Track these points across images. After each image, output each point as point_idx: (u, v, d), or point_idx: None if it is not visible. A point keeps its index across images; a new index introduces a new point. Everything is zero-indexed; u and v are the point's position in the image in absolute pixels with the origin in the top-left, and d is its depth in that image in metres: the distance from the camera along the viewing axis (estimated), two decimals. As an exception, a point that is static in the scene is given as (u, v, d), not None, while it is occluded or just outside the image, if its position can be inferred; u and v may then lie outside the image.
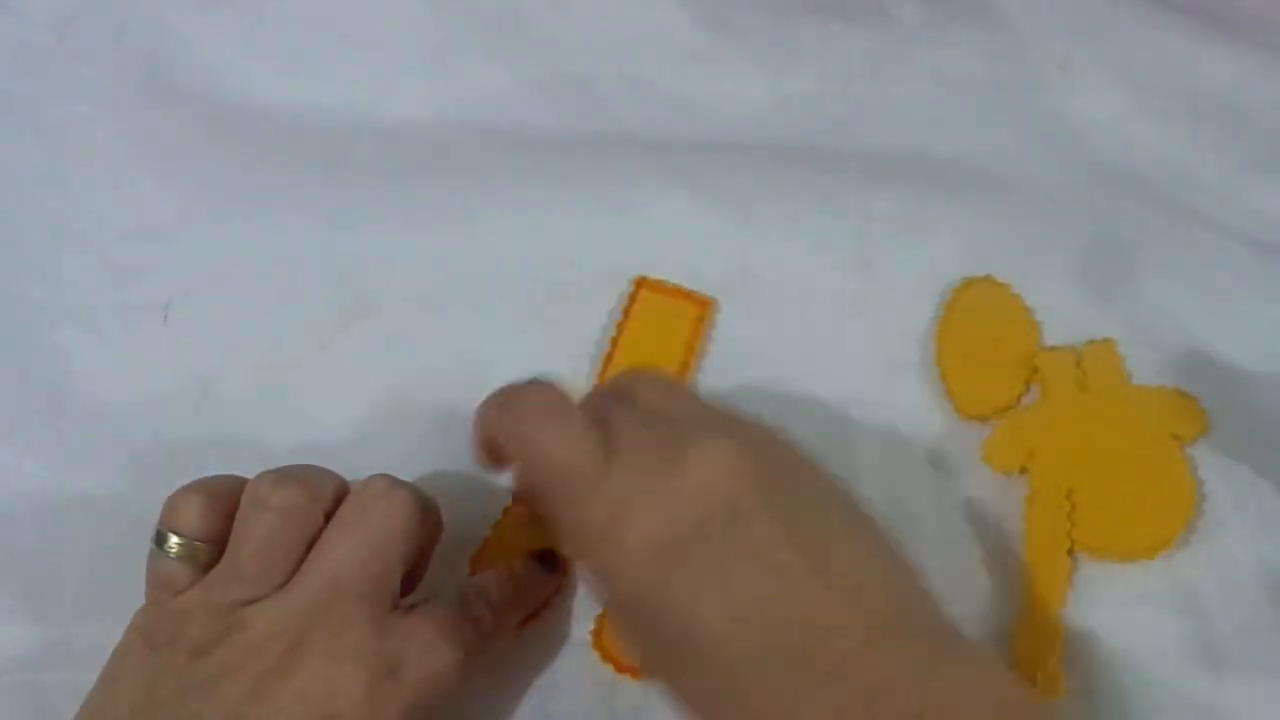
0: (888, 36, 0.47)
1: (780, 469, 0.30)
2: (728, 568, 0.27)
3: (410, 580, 0.33)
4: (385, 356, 0.40)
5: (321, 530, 0.31)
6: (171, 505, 0.31)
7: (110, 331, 0.41)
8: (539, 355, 0.40)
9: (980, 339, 0.40)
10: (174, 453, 0.38)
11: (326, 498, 0.32)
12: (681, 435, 0.29)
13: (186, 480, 0.37)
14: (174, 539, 0.31)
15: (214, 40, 0.47)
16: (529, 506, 0.36)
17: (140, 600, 0.31)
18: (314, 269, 0.42)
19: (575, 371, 0.40)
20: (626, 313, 0.40)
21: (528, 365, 0.40)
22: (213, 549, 0.31)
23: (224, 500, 0.31)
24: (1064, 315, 0.40)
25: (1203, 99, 0.46)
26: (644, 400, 0.31)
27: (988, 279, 0.41)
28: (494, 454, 0.33)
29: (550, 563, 0.35)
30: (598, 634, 0.35)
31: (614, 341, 0.40)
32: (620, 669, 0.35)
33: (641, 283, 0.41)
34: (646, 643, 0.29)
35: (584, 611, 0.36)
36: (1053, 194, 0.44)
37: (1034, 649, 0.34)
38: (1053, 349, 0.40)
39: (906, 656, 0.27)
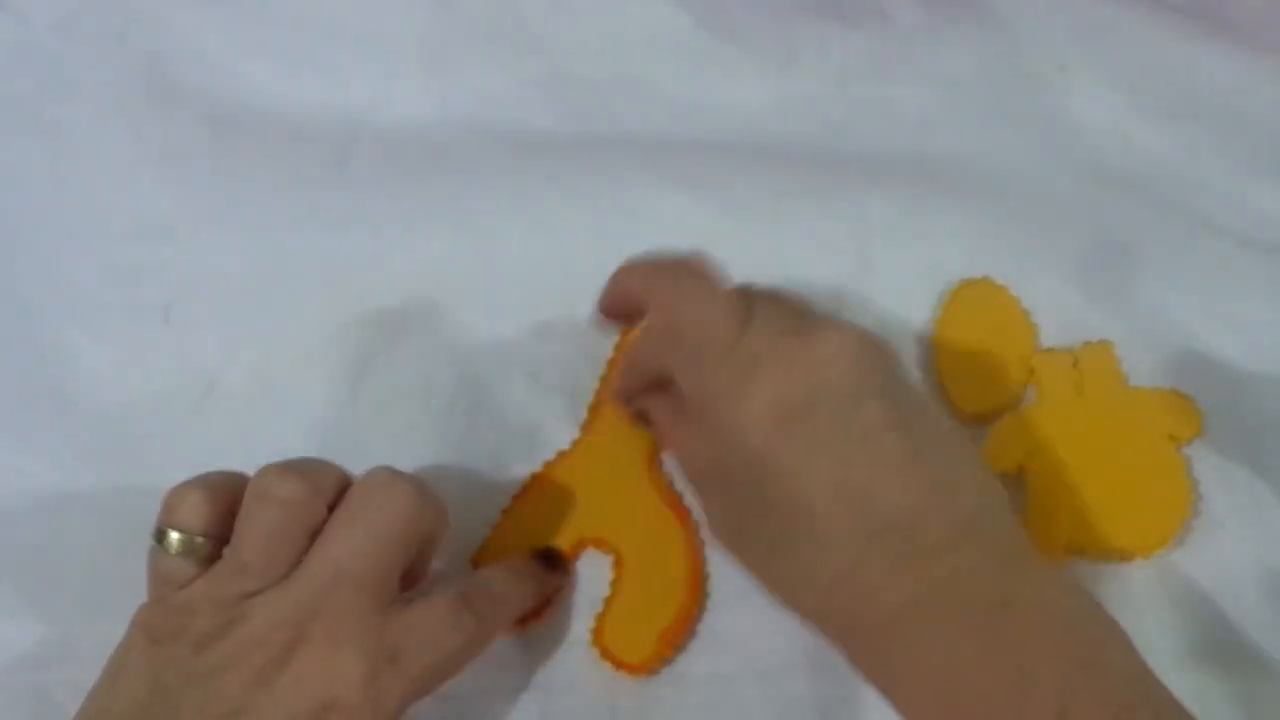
0: (887, 37, 0.47)
1: (894, 368, 0.31)
2: (839, 441, 0.29)
3: (413, 576, 0.33)
4: (386, 357, 0.40)
5: (324, 522, 0.31)
6: (170, 501, 0.32)
7: (112, 331, 0.41)
8: (539, 355, 0.40)
9: (978, 340, 0.40)
10: (175, 452, 0.38)
11: (329, 490, 0.32)
12: (814, 318, 0.32)
13: (186, 478, 0.38)
14: (174, 535, 0.31)
15: (215, 41, 0.47)
16: (639, 368, 0.35)
17: (143, 598, 0.31)
18: (314, 269, 0.42)
19: (576, 372, 0.40)
20: None
21: (528, 365, 0.40)
22: (212, 544, 0.31)
23: (222, 494, 0.32)
24: (1062, 316, 0.41)
25: (1201, 100, 0.46)
26: (782, 295, 0.33)
27: (985, 280, 0.41)
28: (622, 308, 0.35)
29: (552, 561, 0.36)
30: (598, 633, 0.35)
31: (618, 346, 0.40)
32: (620, 668, 0.35)
33: None
34: (744, 512, 0.31)
35: (584, 611, 0.36)
36: (1051, 195, 0.44)
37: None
38: (1049, 350, 0.40)
39: (994, 554, 0.29)
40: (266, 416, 0.39)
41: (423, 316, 0.41)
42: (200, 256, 0.42)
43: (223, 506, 0.31)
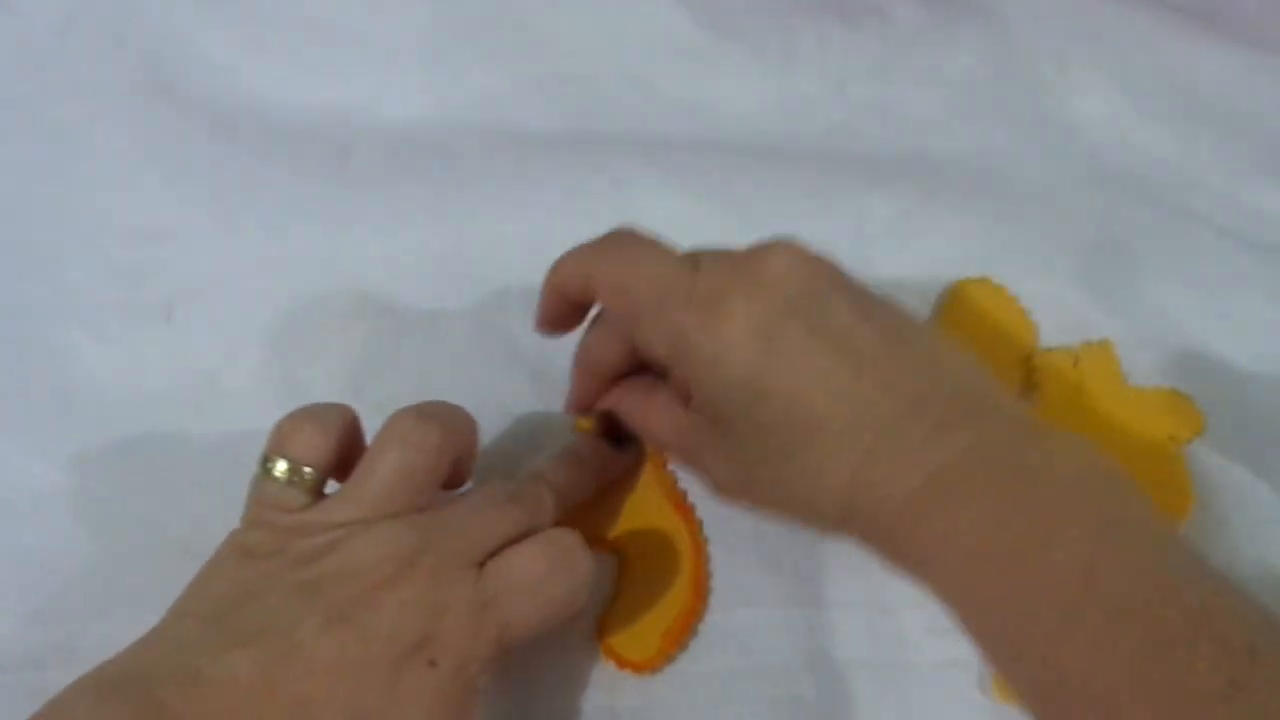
0: (887, 38, 0.47)
1: (841, 272, 0.32)
2: (819, 346, 0.30)
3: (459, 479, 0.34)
4: (386, 357, 0.40)
5: (447, 472, 0.32)
6: (283, 429, 0.32)
7: (114, 331, 0.41)
8: (539, 356, 0.40)
9: (977, 340, 0.40)
10: (177, 452, 0.39)
11: (459, 444, 0.32)
12: (755, 247, 0.32)
13: (188, 479, 0.38)
14: (282, 462, 0.31)
15: (215, 41, 0.47)
16: (594, 355, 0.36)
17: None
18: (315, 269, 0.42)
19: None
20: None
21: (530, 364, 0.40)
22: (318, 475, 0.31)
23: (334, 429, 0.32)
24: (1061, 315, 0.41)
25: (1201, 100, 0.46)
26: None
27: (984, 280, 0.41)
28: (566, 306, 0.34)
29: (620, 438, 0.36)
30: (601, 632, 0.35)
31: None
32: (623, 666, 0.35)
33: None
34: (742, 447, 0.31)
35: (587, 610, 0.36)
36: (1051, 195, 0.44)
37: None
38: (1050, 350, 0.40)
39: (1004, 424, 0.29)
40: (267, 416, 0.39)
41: (423, 316, 0.41)
42: (201, 256, 0.42)
43: (334, 441, 0.32)
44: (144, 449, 0.39)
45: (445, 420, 0.32)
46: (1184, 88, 0.46)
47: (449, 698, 0.29)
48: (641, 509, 0.37)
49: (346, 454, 0.32)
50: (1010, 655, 0.27)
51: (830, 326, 0.30)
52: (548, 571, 0.31)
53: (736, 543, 0.37)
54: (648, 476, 0.38)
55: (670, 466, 0.38)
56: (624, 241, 0.33)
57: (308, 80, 0.46)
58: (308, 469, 0.31)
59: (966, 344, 0.40)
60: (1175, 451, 0.38)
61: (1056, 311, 0.41)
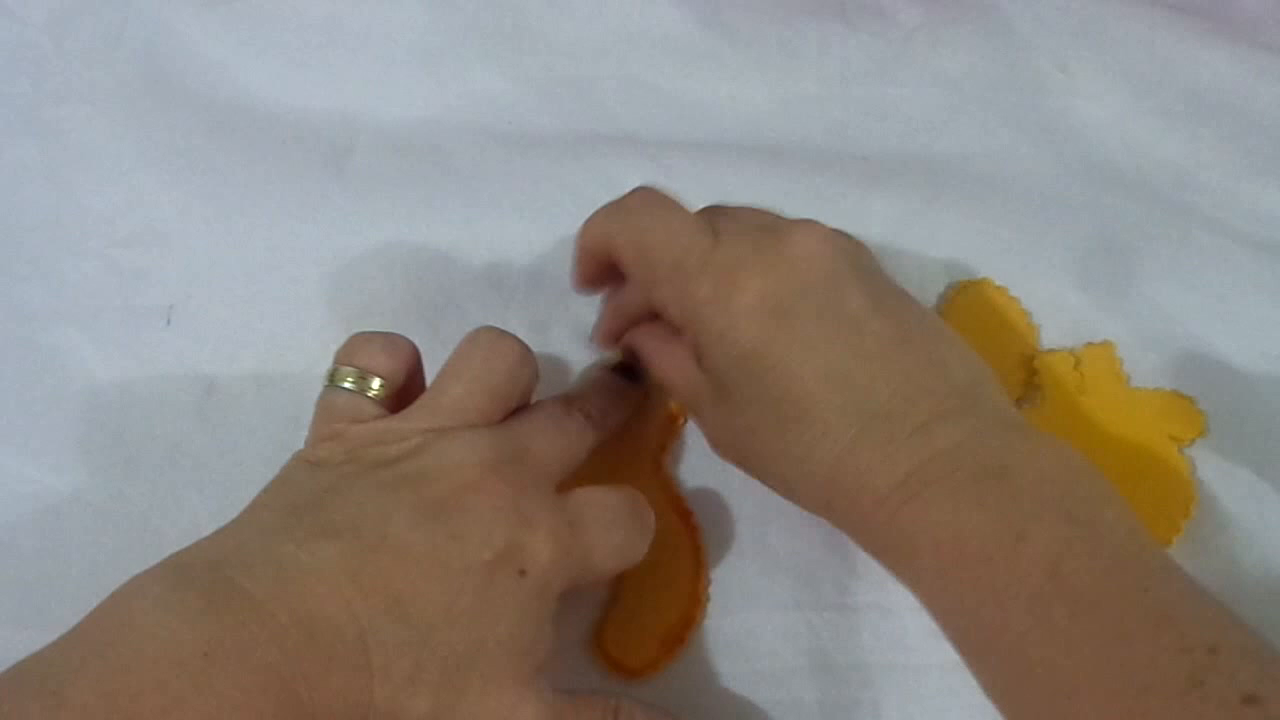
0: (887, 38, 0.47)
1: (866, 259, 0.33)
2: (828, 332, 0.30)
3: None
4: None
5: (527, 394, 0.32)
6: (350, 344, 0.32)
7: (113, 334, 0.41)
8: (541, 354, 0.40)
9: (977, 341, 0.40)
10: (176, 454, 0.38)
11: (533, 362, 0.33)
12: (780, 221, 0.33)
13: (189, 481, 0.37)
14: (351, 371, 0.31)
15: (213, 41, 0.47)
16: (620, 306, 0.36)
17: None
18: (314, 270, 0.42)
19: (579, 370, 0.40)
20: None
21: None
22: (387, 387, 0.31)
23: (401, 348, 0.32)
24: (1063, 316, 0.41)
25: (1202, 100, 0.46)
26: (739, 209, 0.34)
27: (985, 281, 0.41)
28: (598, 266, 0.35)
29: (632, 373, 0.37)
30: (599, 637, 0.35)
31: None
32: (621, 672, 0.35)
33: None
34: (740, 414, 0.32)
35: (583, 612, 0.36)
36: (1052, 195, 0.44)
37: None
38: (1051, 351, 0.40)
39: (989, 424, 0.30)
40: (266, 418, 0.39)
41: (423, 316, 0.41)
42: (200, 258, 0.42)
43: (401, 358, 0.32)
44: (144, 451, 0.39)
45: (517, 339, 0.33)
46: (1185, 88, 0.46)
47: (536, 612, 0.29)
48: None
49: (410, 383, 0.32)
50: (979, 648, 0.28)
51: (841, 313, 0.31)
52: (624, 513, 0.31)
53: (736, 546, 0.37)
54: (647, 480, 0.38)
55: (669, 470, 0.38)
56: (645, 202, 0.34)
57: (306, 81, 0.46)
58: (377, 379, 0.31)
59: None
60: (1177, 453, 0.38)
61: (1057, 312, 0.41)
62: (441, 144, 0.45)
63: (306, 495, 0.29)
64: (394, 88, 0.47)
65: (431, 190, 0.44)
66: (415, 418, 0.31)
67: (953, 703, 0.35)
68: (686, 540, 0.37)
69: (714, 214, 0.34)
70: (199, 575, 0.27)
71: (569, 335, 0.41)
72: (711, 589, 0.36)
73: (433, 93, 0.47)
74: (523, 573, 0.29)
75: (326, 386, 0.32)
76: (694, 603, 0.36)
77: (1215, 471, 0.38)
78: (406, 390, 0.32)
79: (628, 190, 0.40)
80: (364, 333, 0.32)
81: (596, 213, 0.35)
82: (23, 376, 0.40)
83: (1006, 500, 0.28)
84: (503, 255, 0.42)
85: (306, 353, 0.40)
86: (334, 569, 0.27)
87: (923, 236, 0.42)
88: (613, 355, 0.38)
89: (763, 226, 0.33)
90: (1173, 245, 0.42)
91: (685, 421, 0.39)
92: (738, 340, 0.31)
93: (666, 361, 0.34)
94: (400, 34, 0.48)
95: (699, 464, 0.38)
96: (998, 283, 0.41)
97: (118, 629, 0.26)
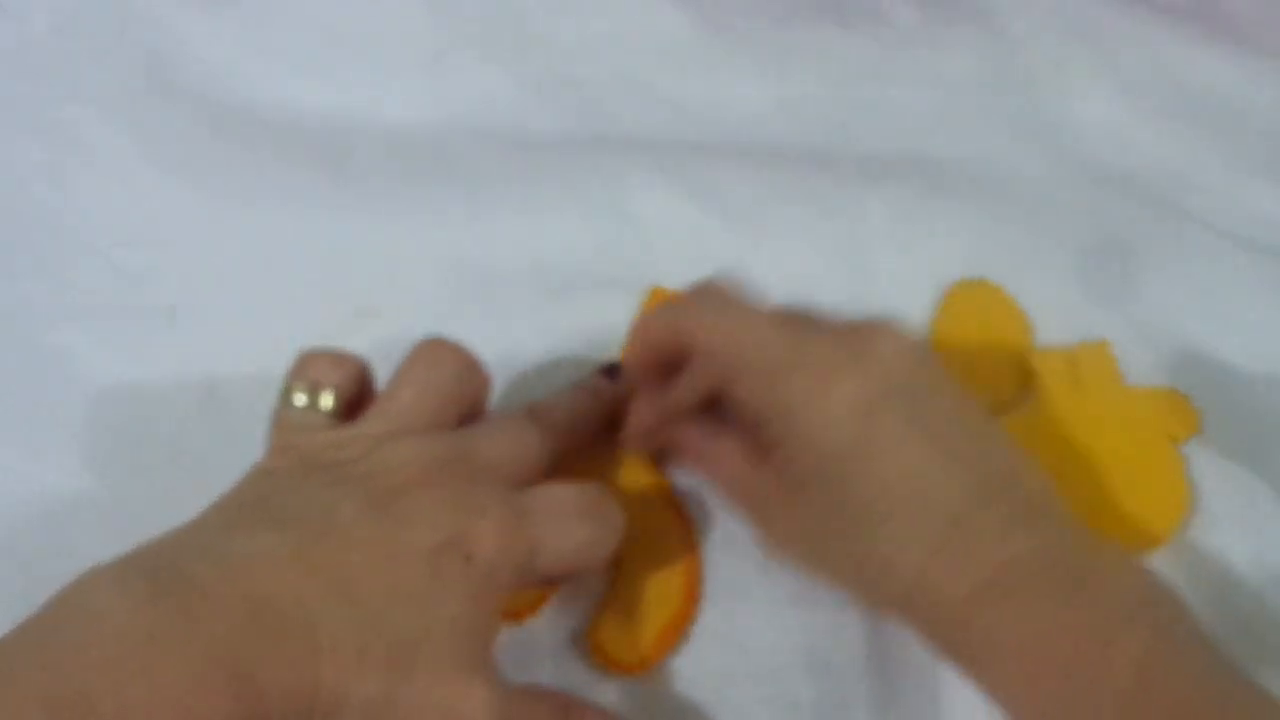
0: (885, 39, 0.48)
1: (938, 364, 0.33)
2: (913, 434, 0.31)
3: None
4: (388, 358, 0.40)
5: (477, 402, 0.33)
6: (299, 361, 0.33)
7: (115, 334, 0.41)
8: (540, 358, 0.40)
9: (974, 341, 0.40)
10: (178, 454, 0.39)
11: (478, 372, 0.33)
12: (857, 323, 0.33)
13: (190, 480, 0.37)
14: (301, 390, 0.32)
15: (215, 42, 0.47)
16: (685, 395, 0.36)
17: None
18: (316, 271, 0.42)
19: (578, 372, 0.40)
20: None
21: (529, 366, 0.40)
22: (338, 399, 0.32)
23: (349, 360, 0.33)
24: (1059, 316, 0.41)
25: (1197, 102, 0.46)
26: (806, 310, 0.35)
27: (982, 280, 0.42)
28: (659, 358, 0.35)
29: (613, 373, 0.37)
30: (593, 633, 0.35)
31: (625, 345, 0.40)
32: (616, 668, 0.35)
33: (657, 293, 0.41)
34: (816, 515, 0.32)
35: (582, 611, 0.36)
36: (1049, 196, 0.44)
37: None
38: (1048, 350, 0.40)
39: (1064, 533, 0.30)
40: (268, 419, 0.39)
41: (423, 317, 0.41)
42: (202, 259, 0.42)
43: (351, 370, 0.32)
44: (145, 451, 0.39)
45: (464, 347, 0.33)
46: (1181, 89, 0.46)
47: (482, 598, 0.29)
48: (634, 509, 0.37)
49: (361, 394, 0.33)
50: None
51: (927, 417, 0.31)
52: (582, 507, 0.31)
53: (732, 543, 0.37)
54: (642, 477, 0.38)
55: (664, 467, 0.38)
56: (718, 299, 0.34)
57: (307, 82, 0.46)
58: (327, 394, 0.32)
59: (965, 345, 0.40)
60: (1173, 450, 0.38)
61: (1054, 312, 0.41)
62: (441, 144, 0.45)
63: (256, 495, 0.30)
64: (394, 88, 0.47)
65: (431, 191, 0.44)
66: (366, 424, 0.31)
67: (949, 701, 0.35)
68: (680, 538, 0.37)
69: (782, 314, 0.34)
70: (147, 564, 0.28)
71: (569, 336, 0.41)
72: (706, 586, 0.36)
73: (433, 93, 0.47)
74: (469, 558, 0.29)
75: (280, 405, 0.32)
76: (689, 599, 0.36)
77: (1211, 469, 0.38)
78: (358, 404, 0.33)
79: (635, 196, 0.41)
80: (312, 350, 0.33)
81: (664, 308, 0.35)
82: (25, 376, 0.40)
83: (1090, 606, 0.28)
84: (503, 255, 0.43)
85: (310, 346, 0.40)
86: (280, 553, 0.28)
87: (920, 236, 0.43)
88: (605, 361, 0.38)
89: (845, 327, 0.33)
90: (1168, 245, 0.42)
91: None
92: (831, 441, 0.31)
93: (719, 459, 0.35)
94: (401, 34, 0.48)
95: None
96: (994, 282, 0.41)
97: (67, 615, 0.27)
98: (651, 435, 0.37)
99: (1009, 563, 0.29)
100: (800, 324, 0.33)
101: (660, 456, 0.38)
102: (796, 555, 0.34)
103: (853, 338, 0.32)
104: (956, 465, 0.31)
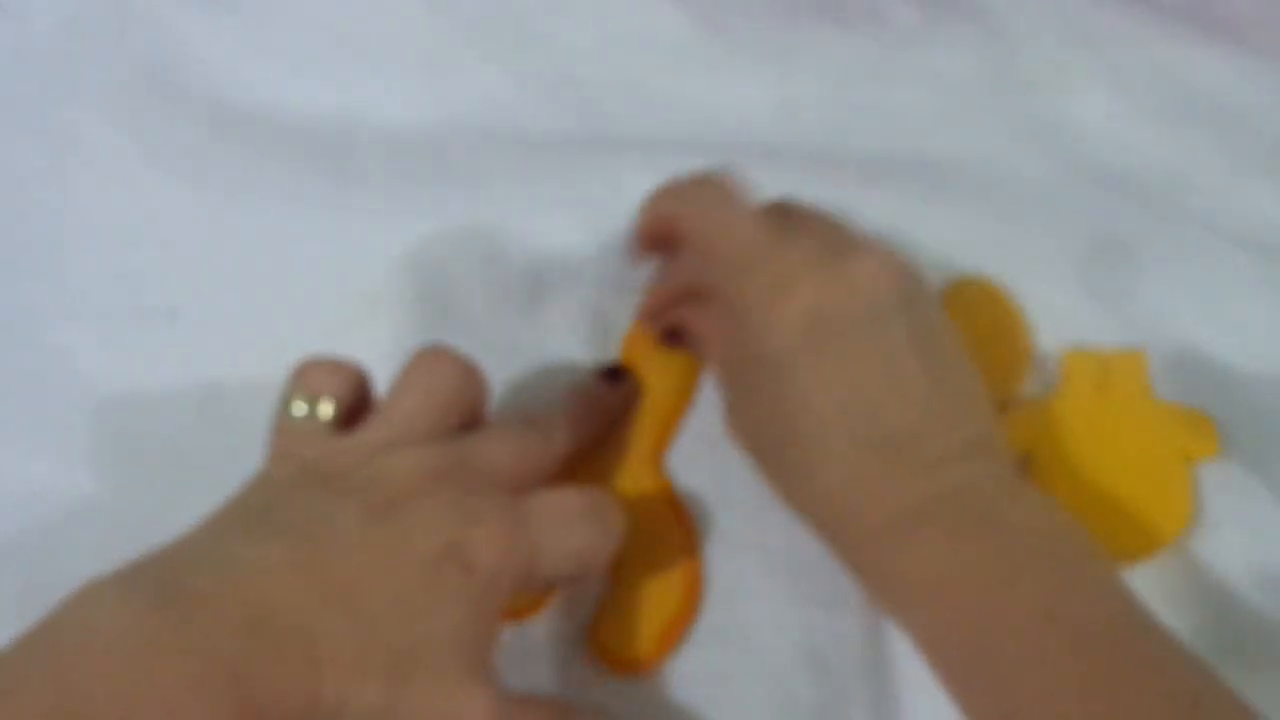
0: (883, 40, 0.48)
1: (920, 294, 0.33)
2: (860, 360, 0.31)
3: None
4: (389, 358, 0.40)
5: (476, 409, 0.33)
6: (298, 370, 0.33)
7: (117, 334, 0.41)
8: (540, 356, 0.40)
9: (972, 339, 0.40)
10: (179, 454, 0.39)
11: (477, 378, 0.33)
12: (849, 239, 0.33)
13: (191, 481, 0.37)
14: (301, 399, 0.32)
15: (215, 42, 0.47)
16: (673, 282, 0.37)
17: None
18: (317, 271, 0.42)
19: (576, 375, 0.40)
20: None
21: (529, 367, 0.40)
22: (338, 408, 0.32)
23: (349, 369, 0.33)
24: (1059, 316, 0.41)
25: (1197, 102, 0.46)
26: (813, 214, 0.35)
27: (981, 280, 0.42)
28: (656, 239, 0.36)
29: (617, 376, 0.38)
30: (594, 632, 0.35)
31: (626, 343, 0.40)
32: (617, 667, 0.35)
33: (656, 293, 0.41)
34: (760, 409, 0.33)
35: (582, 612, 0.36)
36: (1048, 196, 0.44)
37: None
38: (1083, 350, 0.40)
39: (991, 476, 0.31)
40: (269, 419, 0.39)
41: (423, 317, 0.41)
42: (202, 259, 0.42)
43: (350, 378, 0.32)
44: (146, 451, 0.39)
45: (462, 355, 0.33)
46: (1180, 90, 0.46)
47: (483, 606, 0.29)
48: (635, 511, 0.37)
49: (361, 402, 0.33)
50: (968, 684, 0.29)
51: (879, 347, 0.31)
52: (582, 512, 0.31)
53: (733, 541, 0.37)
54: (643, 476, 0.38)
55: (665, 468, 0.38)
56: (713, 187, 0.35)
57: (307, 82, 0.46)
58: (326, 403, 0.32)
59: (964, 343, 0.40)
60: (1184, 469, 0.38)
61: (1054, 312, 0.41)
62: (442, 144, 0.45)
63: (256, 504, 0.30)
64: (394, 88, 0.47)
65: (431, 191, 0.44)
66: (366, 433, 0.31)
67: (948, 700, 0.35)
68: (681, 538, 0.37)
69: (783, 212, 0.35)
70: (147, 575, 0.28)
71: (569, 336, 0.41)
72: (706, 586, 0.36)
73: (433, 93, 0.47)
74: (469, 567, 0.29)
75: (279, 413, 0.32)
76: (689, 599, 0.36)
77: (1214, 473, 0.38)
78: (358, 411, 0.33)
79: (636, 196, 0.41)
80: (311, 359, 0.33)
81: (665, 187, 0.36)
82: (26, 376, 0.40)
83: (1000, 545, 0.29)
84: (503, 256, 0.43)
85: (307, 352, 0.40)
86: (280, 563, 0.28)
87: (919, 236, 0.42)
88: (605, 361, 0.39)
89: (830, 240, 0.33)
90: (1169, 245, 0.42)
91: (680, 421, 0.39)
92: (775, 346, 0.32)
93: (715, 332, 0.35)
94: (401, 34, 0.48)
95: (696, 459, 0.38)
96: (994, 282, 0.41)
97: (68, 626, 0.27)
98: (656, 314, 0.38)
99: (924, 499, 0.30)
100: (786, 227, 0.34)
101: (662, 459, 0.38)
102: (744, 447, 0.34)
103: (830, 254, 0.32)
104: (899, 394, 0.31)
